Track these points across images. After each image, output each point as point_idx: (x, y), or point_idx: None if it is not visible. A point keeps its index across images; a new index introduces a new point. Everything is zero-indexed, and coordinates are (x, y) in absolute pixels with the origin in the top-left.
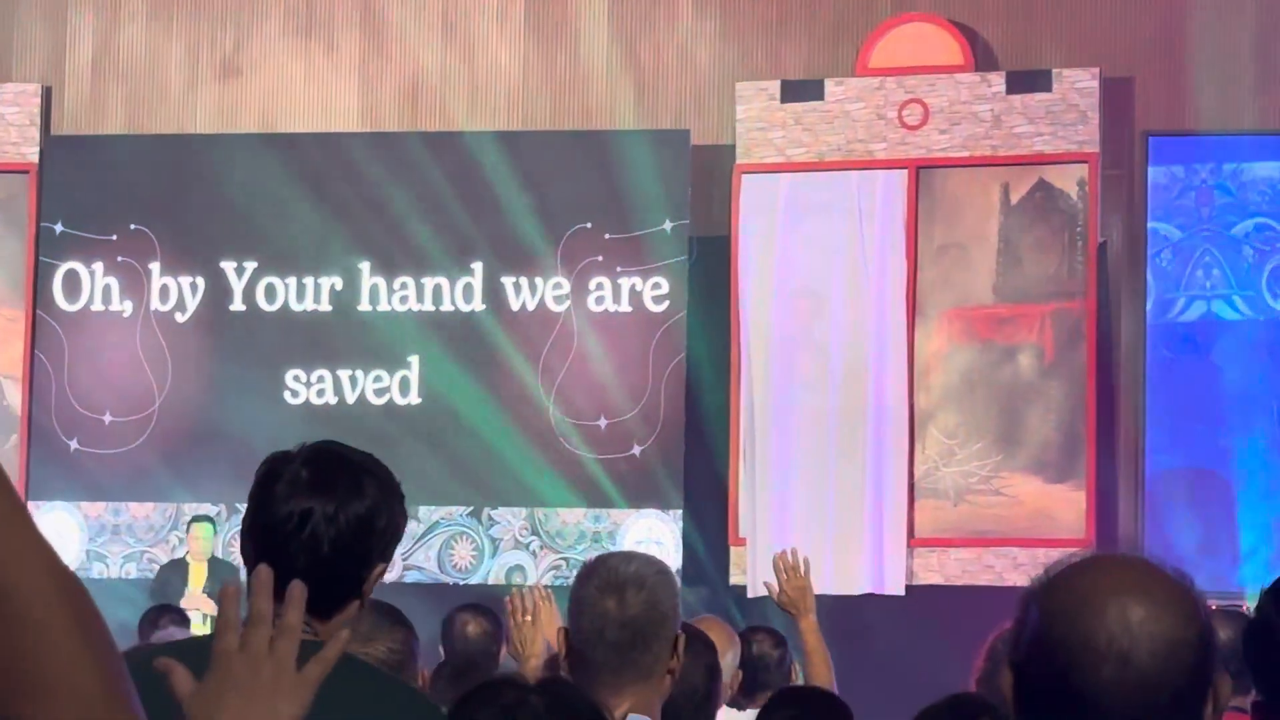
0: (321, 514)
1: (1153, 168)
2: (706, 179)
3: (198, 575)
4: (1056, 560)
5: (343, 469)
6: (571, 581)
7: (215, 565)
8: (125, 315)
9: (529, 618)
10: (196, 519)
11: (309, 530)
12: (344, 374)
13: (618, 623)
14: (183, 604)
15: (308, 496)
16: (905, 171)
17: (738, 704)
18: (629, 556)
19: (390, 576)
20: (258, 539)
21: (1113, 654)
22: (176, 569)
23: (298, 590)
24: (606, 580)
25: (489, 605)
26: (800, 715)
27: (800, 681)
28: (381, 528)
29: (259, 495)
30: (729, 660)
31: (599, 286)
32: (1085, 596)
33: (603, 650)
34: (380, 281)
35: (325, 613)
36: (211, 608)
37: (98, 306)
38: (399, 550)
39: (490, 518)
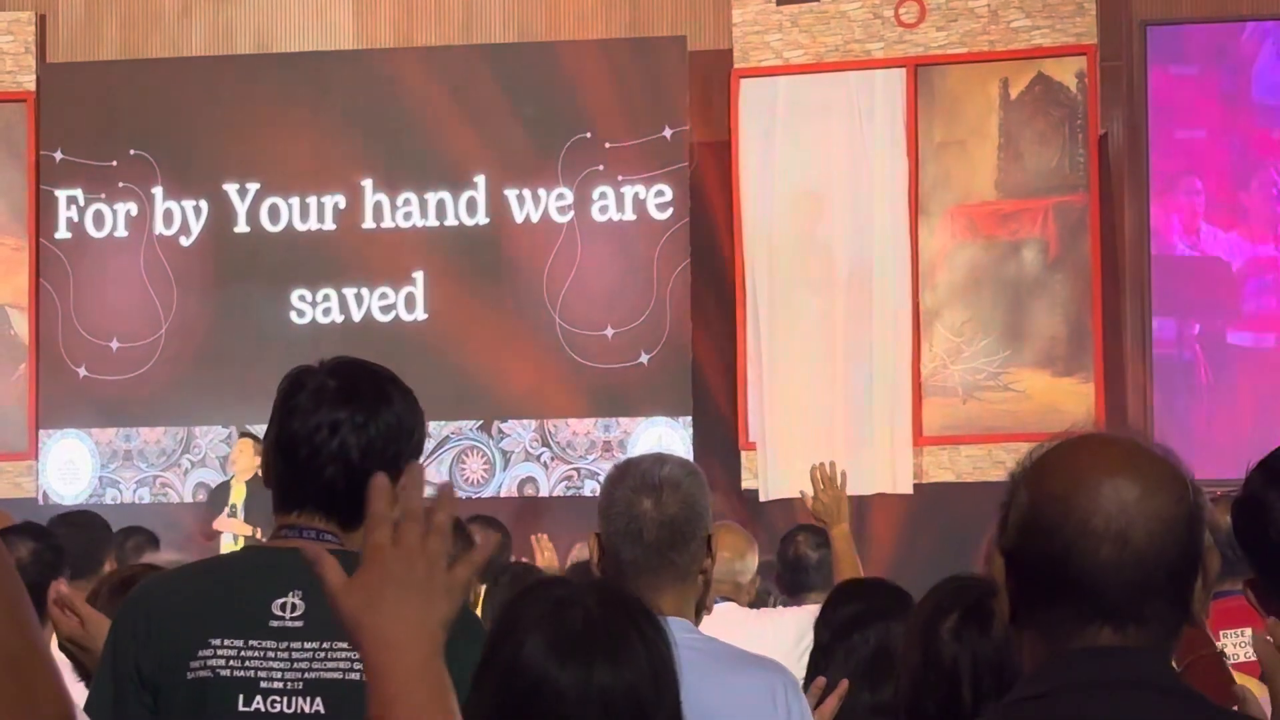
0: (351, 423)
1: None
2: (705, 85)
3: (237, 492)
4: (1039, 444)
5: (368, 379)
6: (584, 490)
7: (256, 484)
8: (129, 241)
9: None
10: (241, 434)
11: (339, 439)
12: (349, 292)
13: (655, 523)
14: (215, 524)
15: (336, 407)
16: (903, 70)
17: (782, 602)
18: (661, 458)
19: None
20: (285, 450)
21: (1110, 534)
22: (222, 490)
23: (448, 490)
24: (641, 482)
25: (499, 518)
26: (865, 609)
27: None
28: (408, 435)
29: (284, 407)
30: (748, 563)
31: (602, 196)
32: (1077, 479)
33: (640, 550)
34: (383, 198)
35: (352, 523)
36: (233, 529)
37: (101, 233)
38: None
39: (500, 431)
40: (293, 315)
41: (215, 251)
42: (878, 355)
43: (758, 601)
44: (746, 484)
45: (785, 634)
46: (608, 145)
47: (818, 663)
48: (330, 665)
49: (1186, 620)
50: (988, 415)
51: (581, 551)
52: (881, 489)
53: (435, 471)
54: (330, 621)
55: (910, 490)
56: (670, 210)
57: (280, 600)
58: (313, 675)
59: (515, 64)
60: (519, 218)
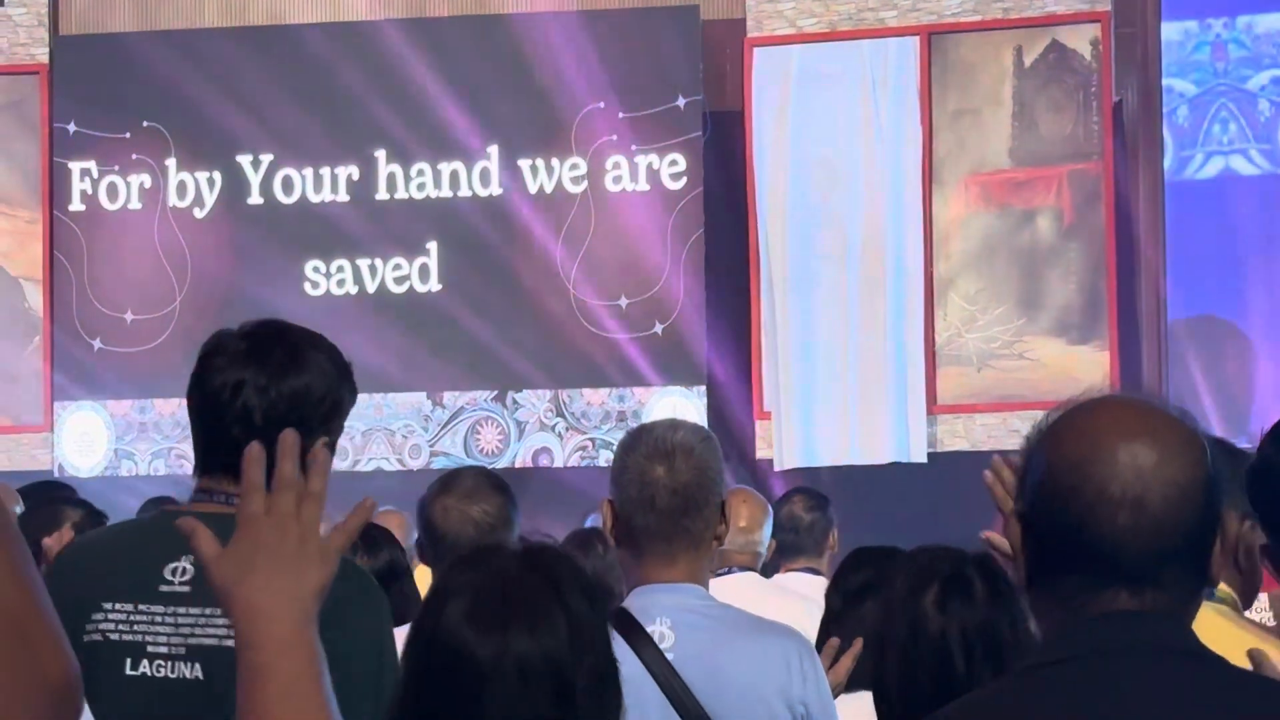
0: (253, 385)
1: (1166, 24)
2: (718, 54)
3: None
4: (1055, 408)
5: (280, 342)
6: (598, 461)
7: None
8: (143, 213)
9: None
10: None
11: (241, 401)
12: (363, 263)
13: (668, 489)
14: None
15: (241, 368)
16: (917, 38)
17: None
18: (674, 424)
19: (418, 463)
20: (196, 411)
21: (1127, 500)
22: None
23: (322, 455)
24: (654, 448)
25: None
26: (877, 576)
27: (835, 546)
28: (318, 401)
29: (198, 368)
30: (766, 532)
31: (615, 166)
32: (1094, 443)
33: (653, 517)
34: (397, 169)
35: (270, 485)
36: None
37: (115, 205)
38: (425, 437)
39: (515, 401)
40: (307, 287)
41: (229, 223)
42: (891, 324)
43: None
44: (761, 453)
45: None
46: (621, 115)
47: (829, 629)
48: (210, 631)
49: (1206, 584)
50: (1002, 384)
51: (598, 520)
52: (896, 458)
53: (451, 441)
54: None
55: (925, 459)
56: (684, 180)
57: (173, 564)
58: (194, 641)
59: (528, 34)
60: (532, 188)
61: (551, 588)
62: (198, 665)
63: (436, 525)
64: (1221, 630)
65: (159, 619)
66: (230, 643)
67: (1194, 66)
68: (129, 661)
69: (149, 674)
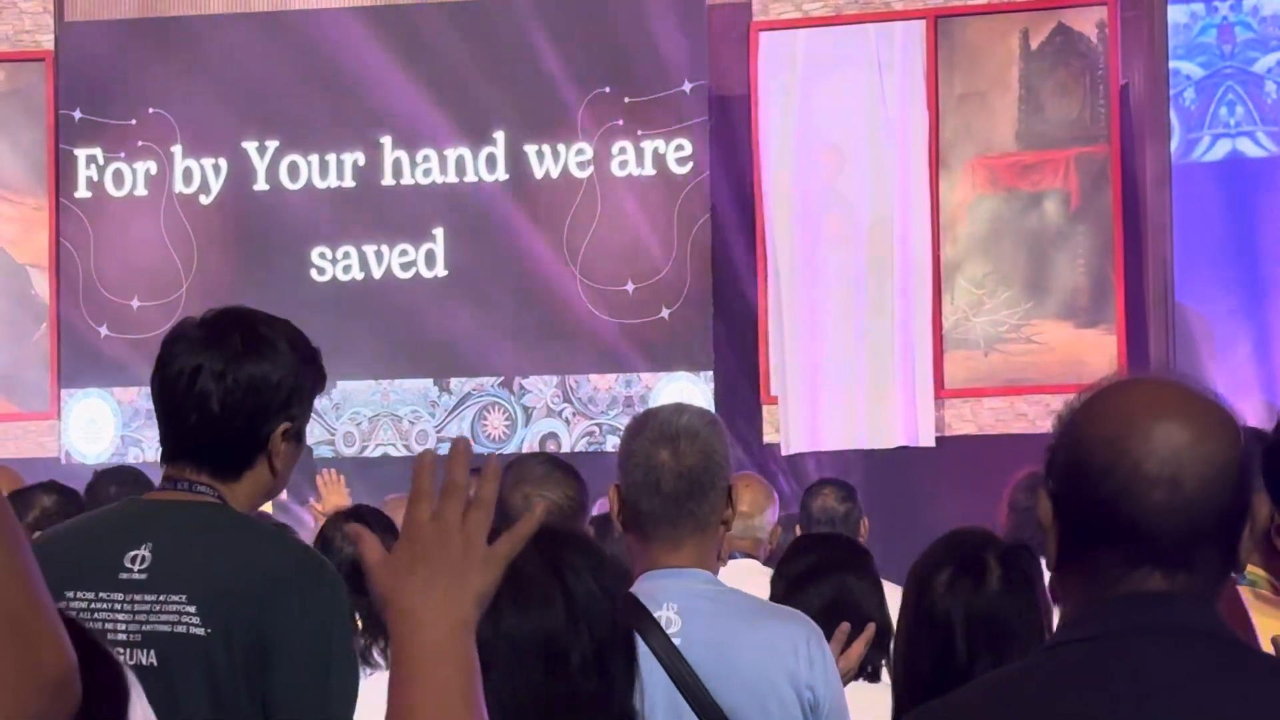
0: (210, 370)
1: (1172, 6)
2: (724, 38)
3: None
4: (1086, 387)
5: (238, 328)
6: (606, 446)
7: None
8: (149, 200)
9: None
10: None
11: (198, 387)
12: (369, 249)
13: (674, 473)
14: None
15: (198, 353)
16: (923, 22)
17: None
18: (679, 408)
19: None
20: (156, 398)
21: (1163, 479)
22: None
23: (493, 464)
24: (660, 432)
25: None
26: (819, 562)
27: (866, 534)
28: (275, 385)
29: (160, 355)
30: (767, 517)
31: (622, 151)
32: (1129, 422)
33: (659, 501)
34: (402, 155)
35: (231, 473)
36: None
37: (121, 192)
38: (432, 423)
39: (522, 387)
40: (313, 273)
41: (235, 210)
42: (898, 308)
43: (777, 553)
44: (769, 438)
45: None
46: (627, 100)
47: None
48: (163, 618)
49: (1234, 567)
50: (1010, 367)
51: (603, 507)
52: (904, 442)
53: (458, 427)
54: (170, 574)
55: (933, 443)
56: (690, 165)
57: (133, 552)
58: (149, 628)
59: (534, 19)
60: (539, 173)
61: (549, 564)
62: (152, 652)
63: (519, 512)
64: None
65: (118, 606)
66: (181, 629)
67: (1201, 49)
68: None
69: None
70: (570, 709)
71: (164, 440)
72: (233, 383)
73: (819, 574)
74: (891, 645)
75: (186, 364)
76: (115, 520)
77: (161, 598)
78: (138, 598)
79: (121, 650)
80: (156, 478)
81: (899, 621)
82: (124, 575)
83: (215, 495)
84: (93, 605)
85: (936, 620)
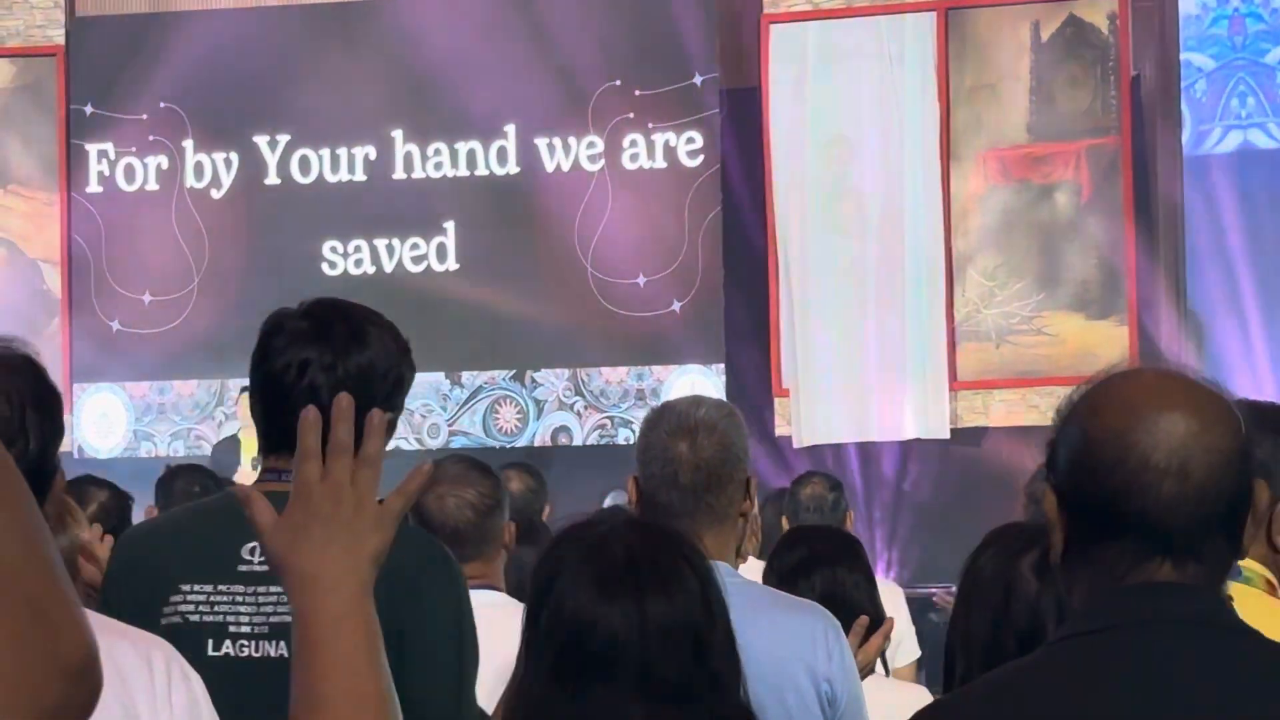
0: (319, 363)
1: None
2: (734, 30)
3: (249, 447)
4: (1084, 382)
5: (342, 320)
6: (617, 439)
7: None
8: (160, 194)
9: None
10: (245, 389)
11: (308, 379)
12: (381, 243)
13: (691, 465)
14: (237, 478)
15: (306, 346)
16: (934, 14)
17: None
18: (697, 400)
19: (436, 442)
20: (259, 391)
21: (1172, 469)
22: (230, 445)
23: (377, 418)
24: (677, 424)
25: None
26: (811, 555)
27: (852, 524)
28: (382, 375)
29: (261, 349)
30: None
31: (632, 144)
32: (1135, 413)
33: (677, 494)
34: (414, 149)
35: None
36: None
37: (132, 187)
38: (444, 417)
39: (533, 380)
40: (325, 267)
41: (246, 204)
42: (910, 301)
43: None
44: (780, 431)
45: None
46: (638, 93)
47: None
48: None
49: (1238, 555)
50: (1021, 359)
51: (618, 498)
52: (916, 434)
53: (470, 420)
54: None
55: (946, 435)
56: (701, 157)
57: (250, 544)
58: (277, 619)
59: (545, 12)
60: (549, 166)
61: (678, 553)
62: (283, 644)
63: (433, 515)
64: (1262, 609)
65: (240, 599)
66: None
67: (1212, 40)
68: (210, 643)
69: (232, 654)
70: (712, 689)
71: (267, 432)
72: (343, 374)
73: (811, 566)
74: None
75: (294, 357)
76: (221, 512)
77: None
78: (261, 589)
79: (246, 642)
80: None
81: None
82: (243, 567)
83: None
84: (212, 597)
85: (1027, 602)
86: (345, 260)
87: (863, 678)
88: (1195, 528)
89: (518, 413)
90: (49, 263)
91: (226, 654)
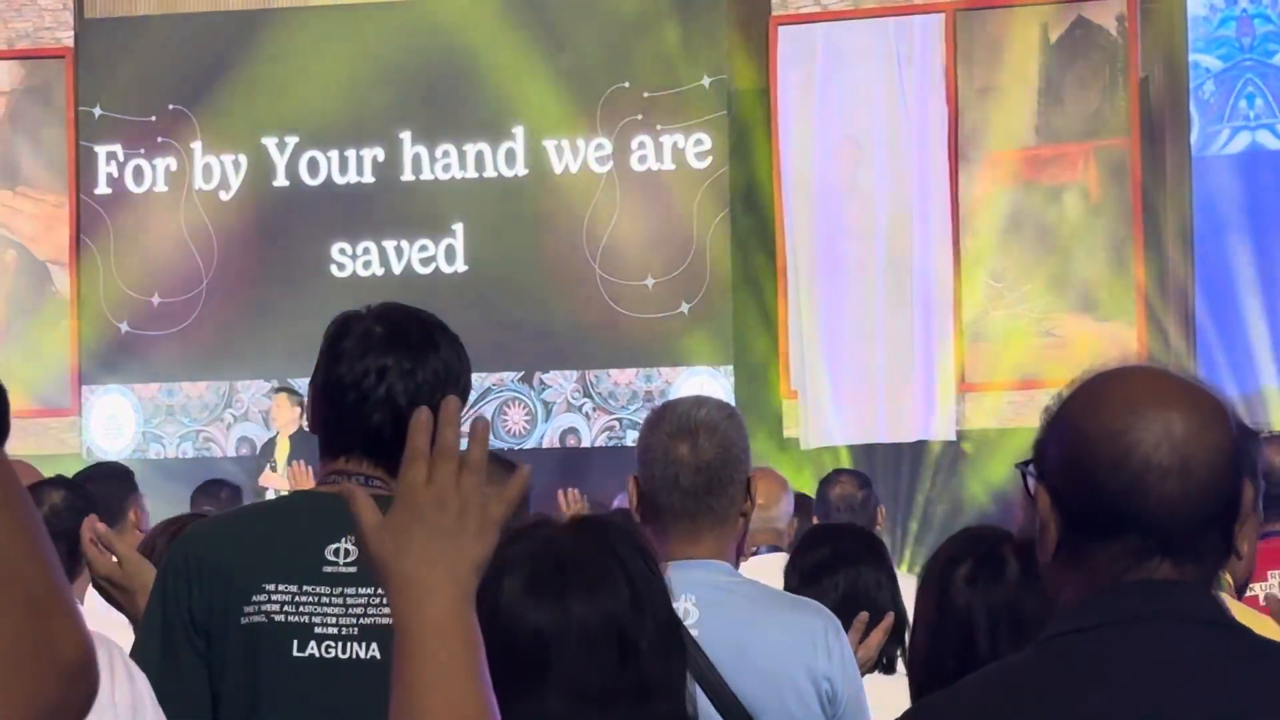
0: (398, 370)
1: None
2: (744, 32)
3: (282, 448)
4: (1073, 380)
5: (415, 325)
6: (626, 441)
7: (300, 438)
8: (169, 196)
9: None
10: (280, 389)
11: (386, 385)
12: (389, 245)
13: (692, 467)
14: (262, 481)
15: (383, 353)
16: (943, 15)
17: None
18: (699, 401)
19: None
20: (331, 396)
21: (1174, 469)
22: (269, 447)
23: (482, 426)
24: (678, 426)
25: (541, 469)
26: (833, 554)
27: (883, 521)
28: (455, 381)
29: (331, 353)
30: (783, 508)
31: (641, 145)
32: (1134, 411)
33: (678, 496)
34: (422, 150)
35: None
36: (276, 484)
37: (141, 188)
38: None
39: (542, 382)
40: (333, 268)
41: (255, 206)
42: (919, 302)
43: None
44: (788, 432)
45: None
46: (646, 94)
47: None
48: (384, 610)
49: (1231, 554)
50: (1029, 361)
51: (624, 501)
52: (924, 436)
53: None
54: None
55: (953, 437)
56: (710, 159)
57: (334, 545)
58: (368, 620)
59: (554, 14)
60: (558, 168)
61: (607, 550)
62: (373, 645)
63: None
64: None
65: (326, 599)
66: None
67: (1220, 42)
68: (295, 643)
69: (318, 655)
70: (640, 694)
71: (334, 435)
72: (422, 379)
73: (834, 565)
74: (907, 639)
75: (373, 363)
76: (297, 513)
77: (379, 590)
78: (350, 591)
79: (333, 643)
80: (175, 472)
81: (915, 617)
82: (329, 569)
83: (386, 490)
84: (297, 598)
85: (957, 615)
86: (354, 262)
87: (864, 674)
88: (1195, 527)
89: (526, 414)
90: (58, 264)
91: (312, 655)
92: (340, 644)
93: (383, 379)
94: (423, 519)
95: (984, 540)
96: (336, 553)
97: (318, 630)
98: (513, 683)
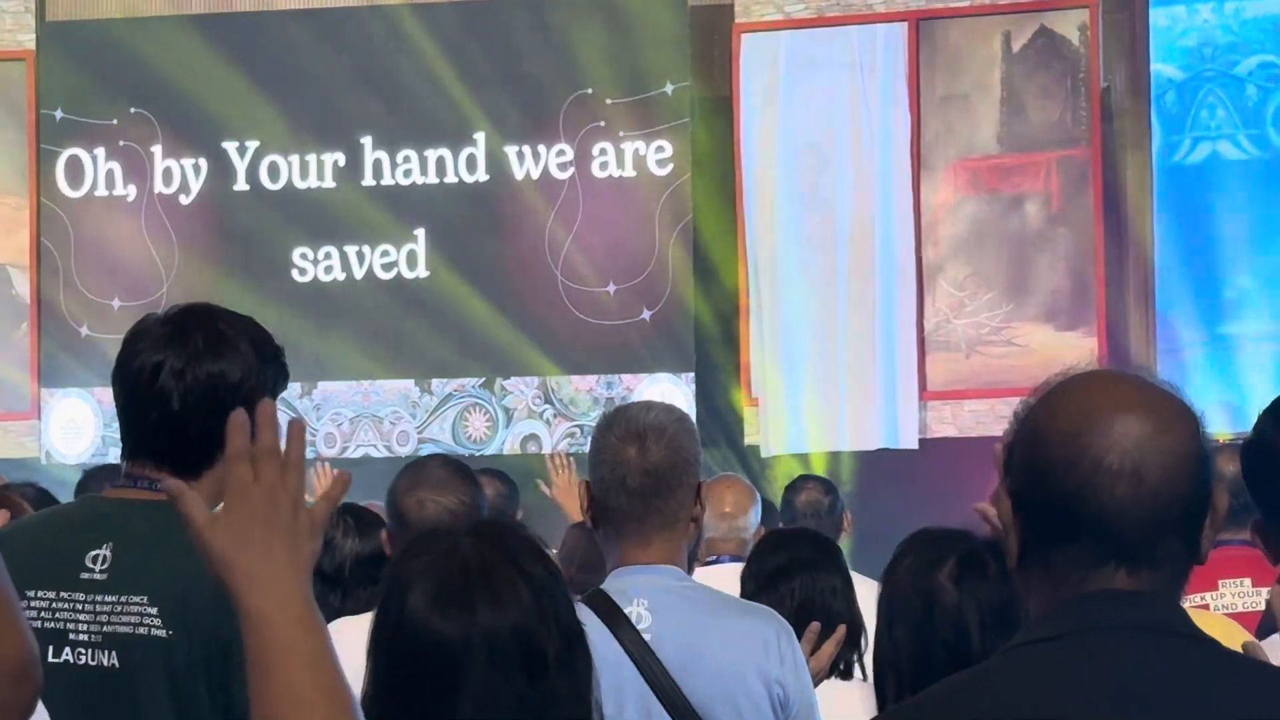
0: (170, 368)
1: (1154, 9)
2: (706, 40)
3: None
4: (1042, 383)
5: (200, 326)
6: (586, 447)
7: None
8: (129, 199)
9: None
10: None
11: (157, 384)
12: (350, 250)
13: (640, 470)
14: None
15: (159, 350)
16: (906, 24)
17: None
18: (648, 405)
19: (405, 449)
20: (117, 394)
21: (1125, 472)
22: None
23: (299, 426)
24: (627, 429)
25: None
26: (790, 560)
27: (849, 526)
28: (236, 384)
29: (122, 350)
30: (750, 517)
31: (602, 152)
32: (1089, 415)
33: (626, 499)
34: (383, 155)
35: (192, 471)
36: None
37: (101, 192)
38: (413, 424)
39: (503, 388)
40: (294, 273)
41: (215, 210)
42: (880, 310)
43: None
44: (750, 439)
45: None
46: (608, 101)
47: None
48: (125, 619)
49: (1196, 561)
50: (991, 370)
51: None
52: (885, 444)
53: (439, 429)
54: (131, 575)
55: (915, 445)
56: (671, 166)
57: (94, 552)
58: (110, 628)
59: (516, 19)
60: (519, 174)
61: (509, 560)
62: (114, 653)
63: (412, 518)
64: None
65: (79, 606)
66: (142, 630)
67: (1182, 52)
68: (51, 649)
69: (71, 661)
70: (548, 704)
71: (124, 437)
72: (192, 381)
73: (790, 571)
74: (872, 643)
75: (147, 361)
76: (75, 518)
77: (123, 599)
78: (99, 598)
79: (83, 650)
80: None
81: (889, 619)
82: (85, 575)
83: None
84: (54, 604)
85: (948, 613)
86: (315, 267)
87: (816, 684)
88: (1150, 532)
89: (487, 421)
90: (17, 267)
91: (66, 661)
92: (89, 651)
93: (155, 378)
94: (258, 516)
95: (958, 540)
96: (95, 560)
97: (71, 636)
98: (420, 695)
